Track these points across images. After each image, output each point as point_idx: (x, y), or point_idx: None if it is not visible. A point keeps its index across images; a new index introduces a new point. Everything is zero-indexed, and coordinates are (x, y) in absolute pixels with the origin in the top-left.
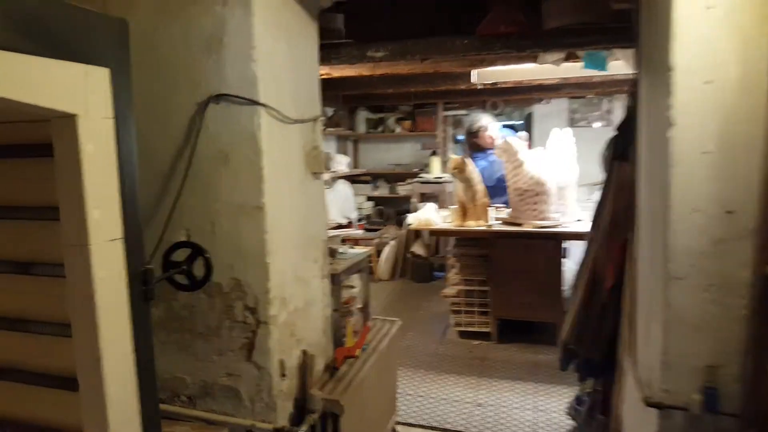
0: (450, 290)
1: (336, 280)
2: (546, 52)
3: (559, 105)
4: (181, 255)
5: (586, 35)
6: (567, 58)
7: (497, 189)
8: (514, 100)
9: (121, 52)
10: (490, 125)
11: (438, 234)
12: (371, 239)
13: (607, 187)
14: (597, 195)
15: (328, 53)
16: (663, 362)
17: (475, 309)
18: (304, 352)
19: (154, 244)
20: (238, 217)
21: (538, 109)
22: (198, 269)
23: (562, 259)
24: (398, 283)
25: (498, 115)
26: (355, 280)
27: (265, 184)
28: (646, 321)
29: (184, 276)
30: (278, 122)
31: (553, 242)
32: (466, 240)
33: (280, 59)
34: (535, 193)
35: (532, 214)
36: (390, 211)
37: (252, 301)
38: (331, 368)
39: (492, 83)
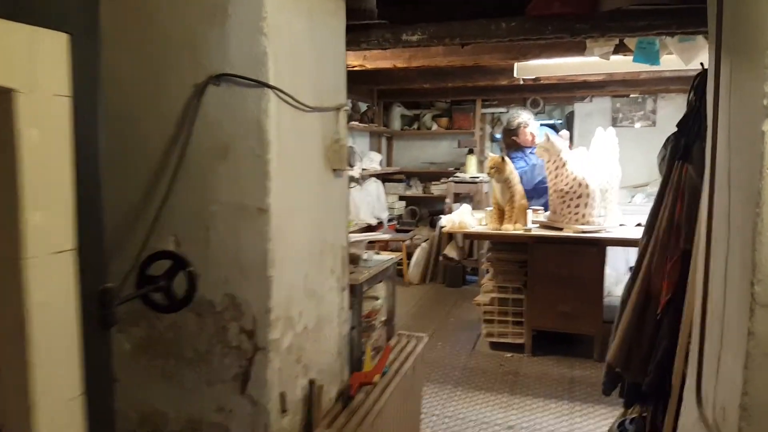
0: (482, 298)
1: (356, 291)
2: (603, 36)
3: (602, 104)
4: (159, 268)
5: (649, 18)
6: (616, 51)
7: (536, 191)
8: (555, 98)
9: (87, 15)
10: (531, 122)
11: (472, 237)
12: (402, 240)
13: (664, 190)
14: (640, 198)
15: (356, 36)
16: (741, 405)
17: (509, 318)
18: (312, 383)
19: (135, 254)
20: (238, 221)
21: (580, 108)
22: (179, 286)
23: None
24: (429, 288)
25: (538, 113)
26: (380, 289)
27: (272, 182)
28: (716, 351)
29: (162, 294)
30: (291, 109)
31: (595, 248)
32: (502, 244)
33: (297, 36)
34: (578, 195)
35: (573, 218)
36: (423, 211)
37: (249, 322)
38: (345, 397)
39: (533, 79)
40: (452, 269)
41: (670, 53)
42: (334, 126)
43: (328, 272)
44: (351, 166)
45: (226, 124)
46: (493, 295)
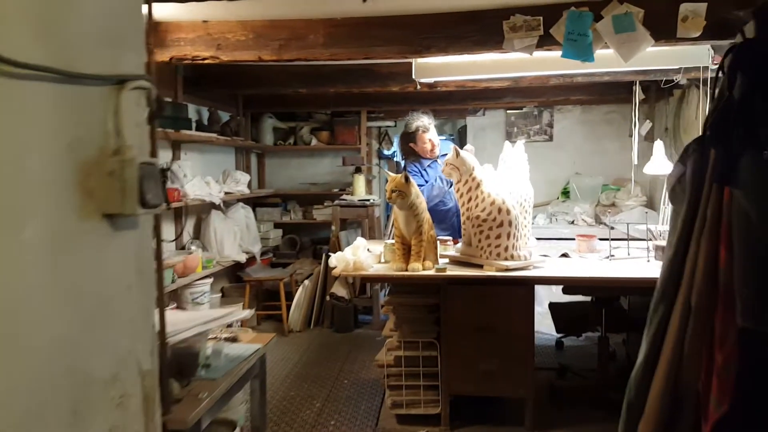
0: (385, 356)
1: None
2: None
3: (496, 117)
4: None
5: None
6: (541, 44)
7: (435, 214)
8: (446, 111)
9: None
10: (431, 128)
11: (373, 281)
12: (278, 279)
13: (691, 228)
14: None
15: None
16: None
17: (420, 383)
18: None
19: None
20: None
21: (472, 122)
22: None
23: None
24: (314, 336)
25: None
26: (238, 406)
27: None
28: None
29: None
30: None
31: (522, 289)
32: (407, 285)
33: None
34: (498, 224)
35: (494, 251)
36: (305, 240)
37: None
38: None
39: (430, 85)
40: (341, 310)
41: (606, 47)
42: (106, 121)
43: None
44: (154, 204)
45: None
46: (399, 353)
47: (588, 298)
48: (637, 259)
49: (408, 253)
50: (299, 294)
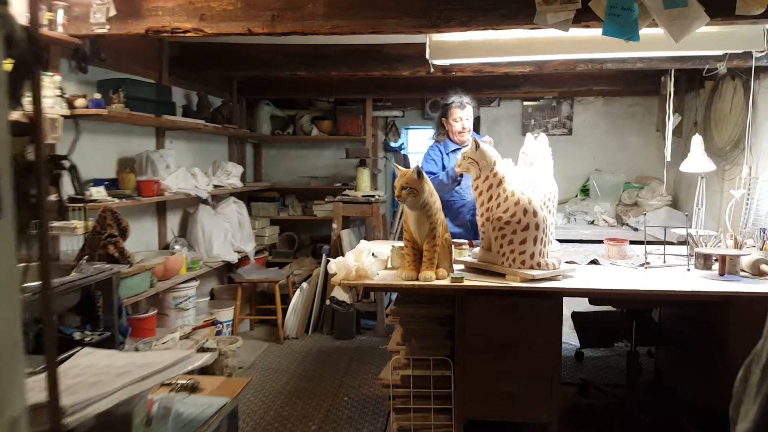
0: (391, 375)
1: None
2: None
3: (511, 108)
4: None
5: None
6: (578, 20)
7: (447, 208)
8: None
9: None
10: (467, 107)
11: (378, 290)
12: (274, 281)
13: None
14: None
15: None
16: None
17: (431, 405)
18: None
19: None
20: None
21: (486, 114)
22: None
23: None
24: (312, 343)
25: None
26: None
27: None
28: None
29: None
30: None
31: (551, 302)
32: (418, 294)
33: None
34: (523, 227)
35: (518, 259)
36: (304, 237)
37: None
38: None
39: (445, 69)
40: (342, 316)
41: (652, 25)
42: None
43: None
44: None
45: None
46: (407, 372)
47: (611, 307)
48: (675, 267)
49: (419, 259)
50: (296, 297)
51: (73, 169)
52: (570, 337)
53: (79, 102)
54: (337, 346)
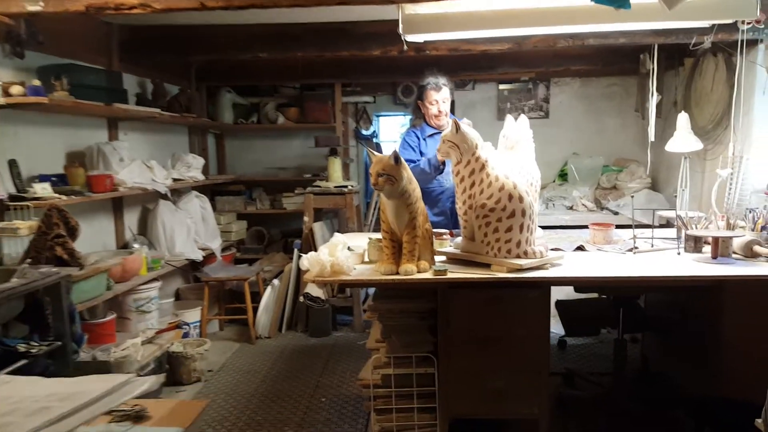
0: (370, 374)
1: None
2: None
3: (486, 92)
4: None
5: None
6: None
7: (426, 195)
8: None
9: None
10: (443, 89)
11: (356, 286)
12: (243, 279)
13: None
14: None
15: None
16: None
17: (414, 404)
18: None
19: None
20: None
21: (461, 97)
22: None
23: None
24: (286, 342)
25: (409, 105)
26: None
27: None
28: None
29: None
30: None
31: (537, 292)
32: (397, 289)
33: None
34: (509, 214)
35: (504, 248)
36: (274, 232)
37: None
38: None
39: (418, 47)
40: (317, 312)
41: None
42: None
43: None
44: None
45: None
46: (388, 371)
47: (595, 294)
48: (664, 251)
49: (398, 252)
50: (267, 295)
51: (13, 165)
52: (552, 325)
53: (15, 89)
54: (313, 344)
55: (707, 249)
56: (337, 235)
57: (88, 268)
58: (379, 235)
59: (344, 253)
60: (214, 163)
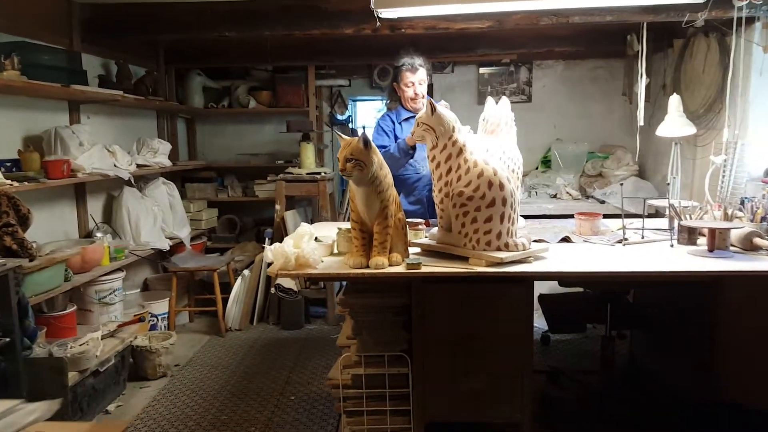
0: (340, 374)
1: None
2: None
3: (466, 74)
4: None
5: None
6: None
7: (401, 183)
8: None
9: None
10: (420, 70)
11: (323, 280)
12: (212, 269)
13: None
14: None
15: None
16: None
17: (387, 407)
18: None
19: None
20: None
21: (439, 81)
22: None
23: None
24: (257, 335)
25: (386, 88)
26: None
27: None
28: None
29: None
30: None
31: (520, 287)
32: (370, 283)
33: None
34: (488, 202)
35: (483, 239)
36: (246, 220)
37: None
38: None
39: (393, 24)
40: (289, 304)
41: None
42: None
43: None
44: None
45: None
46: (358, 371)
47: (581, 288)
48: (656, 243)
49: (369, 243)
50: (238, 286)
51: None
52: (535, 319)
53: None
54: (285, 337)
55: (702, 241)
56: (303, 225)
57: (43, 258)
58: (350, 225)
59: (311, 245)
60: (185, 149)
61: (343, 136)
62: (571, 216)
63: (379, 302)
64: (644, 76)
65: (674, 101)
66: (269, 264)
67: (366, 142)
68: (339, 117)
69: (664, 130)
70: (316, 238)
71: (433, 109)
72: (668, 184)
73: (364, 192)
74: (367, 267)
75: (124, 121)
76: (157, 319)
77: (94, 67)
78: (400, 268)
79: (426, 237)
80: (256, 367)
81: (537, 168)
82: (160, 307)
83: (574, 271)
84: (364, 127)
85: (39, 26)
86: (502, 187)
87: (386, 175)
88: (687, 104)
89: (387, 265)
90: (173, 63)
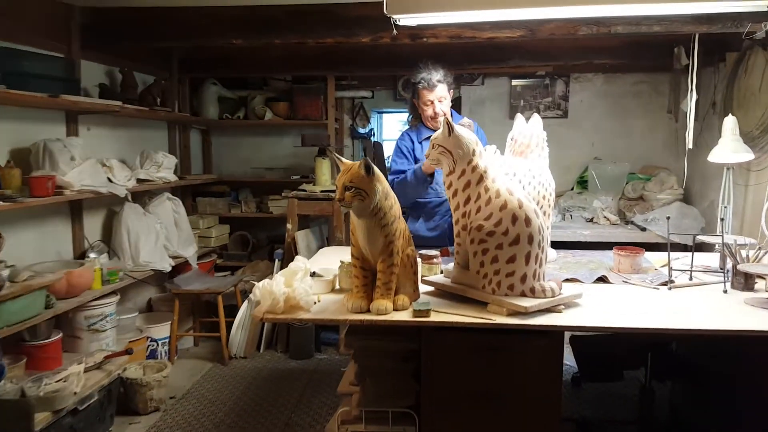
0: (337, 428)
1: None
2: None
3: (497, 87)
4: None
5: None
6: None
7: (420, 209)
8: None
9: None
10: (439, 86)
11: (315, 323)
12: (216, 292)
13: None
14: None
15: None
16: None
17: None
18: None
19: None
20: None
21: (468, 93)
22: None
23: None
24: (263, 363)
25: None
26: None
27: None
28: None
29: None
30: None
31: (548, 341)
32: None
33: None
34: (512, 239)
35: (504, 282)
36: (260, 237)
37: None
38: None
39: (411, 32)
40: (298, 331)
41: None
42: None
43: None
44: None
45: None
46: (358, 428)
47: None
48: (706, 286)
49: (372, 282)
50: (243, 310)
51: None
52: (565, 357)
53: None
54: (292, 367)
55: (760, 285)
56: (298, 258)
57: (17, 285)
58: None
59: (304, 284)
60: (199, 162)
61: (343, 159)
62: (609, 246)
63: (385, 346)
64: (694, 93)
65: (729, 123)
66: (257, 303)
67: (368, 168)
68: (361, 130)
69: (717, 155)
70: (313, 273)
71: (450, 129)
72: (722, 219)
73: (366, 225)
74: (368, 311)
75: (129, 132)
76: (158, 344)
77: (96, 75)
78: (405, 314)
79: (441, 273)
80: (257, 404)
81: (572, 189)
82: (161, 331)
83: (612, 326)
84: (380, 139)
85: (35, 32)
86: (528, 222)
87: (392, 205)
88: (740, 124)
89: (391, 310)
90: (187, 72)
